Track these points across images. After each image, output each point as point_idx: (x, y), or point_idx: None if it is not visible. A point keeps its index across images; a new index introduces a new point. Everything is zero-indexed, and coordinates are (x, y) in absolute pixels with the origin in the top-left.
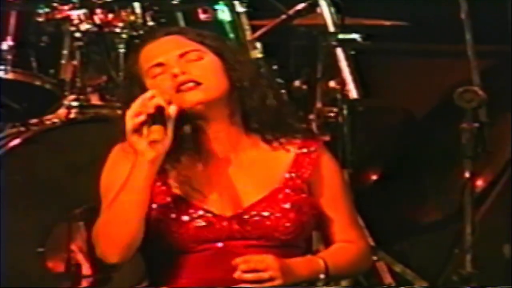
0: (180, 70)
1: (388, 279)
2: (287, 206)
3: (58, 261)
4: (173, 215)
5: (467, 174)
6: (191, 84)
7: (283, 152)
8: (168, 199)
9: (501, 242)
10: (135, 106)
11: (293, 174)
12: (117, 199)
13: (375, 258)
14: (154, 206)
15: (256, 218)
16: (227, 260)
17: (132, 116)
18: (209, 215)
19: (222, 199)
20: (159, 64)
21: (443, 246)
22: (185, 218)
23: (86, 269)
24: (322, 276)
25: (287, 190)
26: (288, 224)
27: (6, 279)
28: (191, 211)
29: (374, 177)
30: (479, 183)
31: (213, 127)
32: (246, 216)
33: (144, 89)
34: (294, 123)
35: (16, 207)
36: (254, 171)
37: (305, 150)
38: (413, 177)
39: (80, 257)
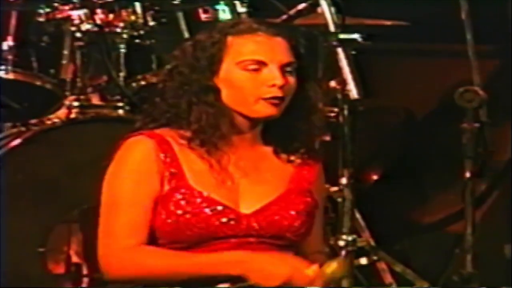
0: (282, 83)
1: (388, 279)
2: (300, 207)
3: (59, 261)
4: (196, 210)
5: (467, 174)
6: (278, 100)
7: (290, 162)
8: (190, 194)
9: (502, 242)
10: None
11: (300, 178)
12: (179, 267)
13: (375, 258)
14: (176, 199)
15: (274, 217)
16: None
17: None
18: (229, 211)
19: (241, 197)
20: (260, 62)
21: (443, 246)
22: (207, 213)
23: (86, 269)
24: None
25: (298, 192)
26: (300, 225)
27: (6, 279)
28: (213, 206)
29: (375, 177)
30: (480, 183)
31: (248, 131)
32: (263, 215)
33: (216, 73)
34: (310, 143)
35: (17, 207)
36: (267, 174)
37: (309, 161)
38: (414, 177)
39: (75, 259)
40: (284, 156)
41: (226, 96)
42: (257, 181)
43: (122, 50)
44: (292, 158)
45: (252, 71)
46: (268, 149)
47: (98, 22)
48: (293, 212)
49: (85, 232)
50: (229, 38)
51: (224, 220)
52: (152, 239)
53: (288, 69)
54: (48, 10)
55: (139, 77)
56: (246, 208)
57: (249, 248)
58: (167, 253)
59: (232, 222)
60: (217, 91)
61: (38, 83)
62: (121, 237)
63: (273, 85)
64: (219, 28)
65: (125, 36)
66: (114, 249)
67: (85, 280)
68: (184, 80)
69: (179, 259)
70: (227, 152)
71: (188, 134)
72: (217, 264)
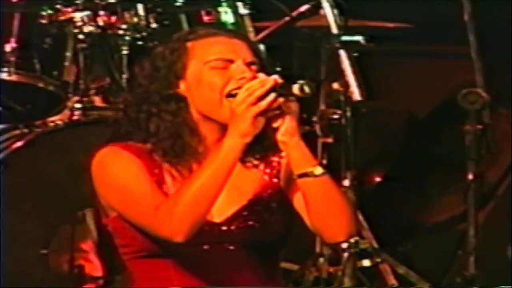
0: (251, 76)
1: (391, 280)
2: (274, 205)
3: (62, 263)
4: None
5: (470, 176)
6: None
7: (256, 167)
8: None
9: (505, 244)
10: (262, 88)
11: (270, 176)
12: (206, 179)
13: (378, 259)
14: None
15: (248, 222)
16: (215, 263)
17: (258, 97)
18: None
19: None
20: (228, 60)
21: (446, 247)
22: None
23: (94, 270)
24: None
25: (269, 191)
26: (276, 225)
27: (10, 281)
28: None
29: (378, 179)
30: (483, 184)
31: (214, 137)
32: (237, 221)
33: (180, 80)
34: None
35: (20, 209)
36: (236, 180)
37: (273, 158)
38: (417, 179)
39: (92, 257)
40: (249, 163)
41: (194, 101)
42: (228, 189)
43: (125, 52)
44: (256, 162)
45: (220, 69)
46: None
47: (101, 24)
48: (266, 215)
49: (99, 232)
50: (189, 44)
51: None
52: (123, 245)
53: (253, 67)
54: (50, 12)
55: None
56: (218, 216)
57: (227, 255)
58: (189, 178)
59: (202, 232)
60: (180, 100)
61: (41, 85)
62: (153, 206)
63: (242, 78)
64: (176, 37)
65: (127, 38)
66: (162, 218)
67: (100, 282)
68: (144, 92)
69: (201, 169)
70: (191, 161)
71: (148, 146)
72: (229, 150)
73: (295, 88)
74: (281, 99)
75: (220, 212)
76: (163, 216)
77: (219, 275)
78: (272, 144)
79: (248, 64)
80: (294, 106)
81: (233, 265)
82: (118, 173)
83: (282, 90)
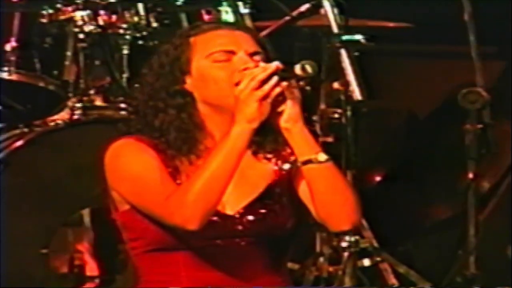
0: (254, 66)
1: (392, 280)
2: (284, 199)
3: (62, 262)
4: None
5: (470, 175)
6: None
7: (268, 159)
8: None
9: (505, 244)
10: (265, 73)
11: (280, 169)
12: (217, 166)
13: (378, 259)
14: None
15: (259, 216)
16: (225, 257)
17: (261, 80)
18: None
19: (223, 199)
20: (229, 52)
21: (447, 247)
22: None
23: (90, 270)
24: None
25: (280, 184)
26: (287, 220)
27: (10, 281)
28: None
29: (378, 178)
30: (483, 184)
31: (223, 129)
32: (248, 214)
33: (186, 75)
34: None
35: (20, 208)
36: (247, 173)
37: (285, 152)
38: (417, 178)
39: (87, 258)
40: (261, 155)
41: (201, 95)
42: (239, 182)
43: (125, 52)
44: (269, 156)
45: (223, 61)
46: (247, 151)
47: (101, 23)
48: (277, 208)
49: (96, 232)
50: (192, 39)
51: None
52: (133, 238)
53: (257, 58)
54: (51, 11)
55: None
56: (230, 209)
57: (238, 250)
58: (200, 167)
59: (215, 225)
60: (186, 95)
61: (41, 84)
62: (165, 195)
63: (245, 69)
64: (180, 33)
65: (128, 37)
66: (174, 206)
67: (96, 281)
68: (151, 89)
69: (211, 156)
70: (202, 156)
71: (156, 141)
72: (238, 136)
73: (297, 68)
74: (284, 84)
75: (232, 204)
76: (175, 204)
77: (228, 269)
78: (284, 140)
79: (251, 55)
80: (296, 91)
81: (242, 260)
82: (131, 163)
83: (284, 73)
